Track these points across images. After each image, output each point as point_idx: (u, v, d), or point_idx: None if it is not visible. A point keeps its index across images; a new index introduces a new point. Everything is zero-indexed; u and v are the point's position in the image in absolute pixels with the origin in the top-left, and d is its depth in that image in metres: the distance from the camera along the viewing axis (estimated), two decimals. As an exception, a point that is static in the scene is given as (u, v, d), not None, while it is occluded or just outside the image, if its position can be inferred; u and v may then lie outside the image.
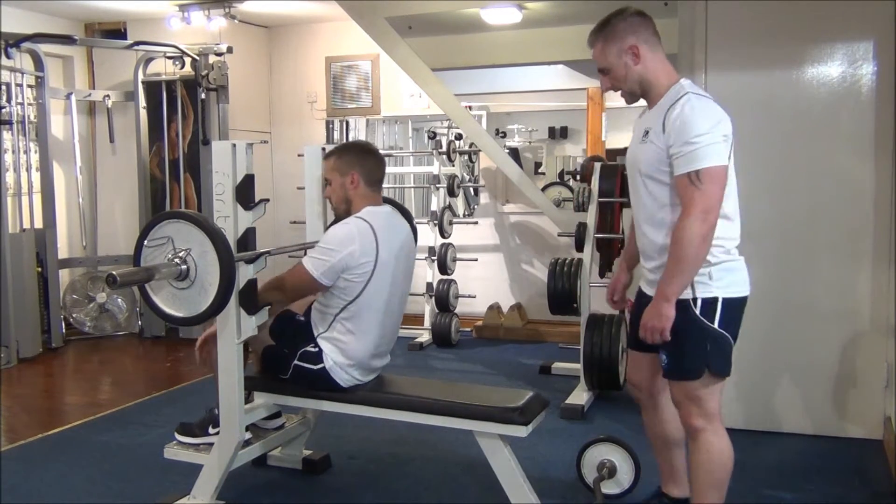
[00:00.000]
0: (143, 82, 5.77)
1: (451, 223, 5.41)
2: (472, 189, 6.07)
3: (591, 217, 4.08)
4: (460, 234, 5.65)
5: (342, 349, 2.61)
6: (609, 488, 2.75)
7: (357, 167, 2.68)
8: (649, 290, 2.25)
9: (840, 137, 3.32)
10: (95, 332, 5.75)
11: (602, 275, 4.27)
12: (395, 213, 2.77)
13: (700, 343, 2.13)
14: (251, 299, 2.49)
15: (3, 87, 5.12)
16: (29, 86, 5.35)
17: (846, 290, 3.33)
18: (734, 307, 2.16)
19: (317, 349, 2.62)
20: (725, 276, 2.13)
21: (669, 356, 2.19)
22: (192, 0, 5.53)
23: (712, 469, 2.19)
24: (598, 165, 4.20)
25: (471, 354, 5.12)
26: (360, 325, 2.60)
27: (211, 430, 2.78)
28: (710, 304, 2.12)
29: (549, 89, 6.09)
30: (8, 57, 5.01)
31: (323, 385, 2.63)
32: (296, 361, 2.64)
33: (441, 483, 3.00)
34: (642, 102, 2.27)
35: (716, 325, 2.12)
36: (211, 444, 2.68)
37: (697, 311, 2.12)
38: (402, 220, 2.80)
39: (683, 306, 2.12)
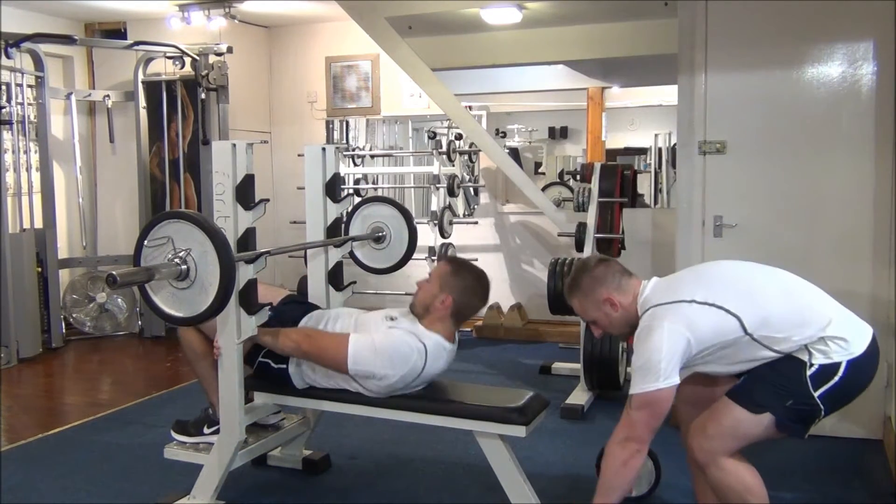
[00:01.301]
0: (143, 82, 5.77)
1: (451, 223, 5.40)
2: (472, 189, 6.07)
3: (591, 217, 4.08)
4: (460, 234, 5.65)
5: (308, 370, 2.64)
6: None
7: (457, 296, 2.55)
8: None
9: (840, 137, 3.32)
10: (95, 332, 5.74)
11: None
12: (452, 351, 2.62)
13: (783, 395, 2.05)
14: (251, 299, 2.49)
15: (3, 87, 5.13)
16: (29, 86, 5.35)
17: (846, 290, 3.32)
18: (861, 367, 2.05)
19: None
20: (840, 343, 2.04)
21: (748, 379, 2.13)
22: (192, 0, 5.53)
23: (731, 500, 2.13)
24: (597, 165, 4.20)
25: (471, 354, 5.12)
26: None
27: (206, 430, 2.79)
28: (829, 370, 2.02)
29: (549, 89, 6.09)
30: (8, 57, 5.01)
31: (279, 382, 2.66)
32: (260, 358, 2.68)
33: (441, 483, 3.00)
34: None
35: (818, 395, 2.02)
36: (211, 444, 2.68)
37: (808, 374, 2.04)
38: (450, 355, 2.62)
39: (794, 362, 2.06)
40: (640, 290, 2.24)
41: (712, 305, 2.07)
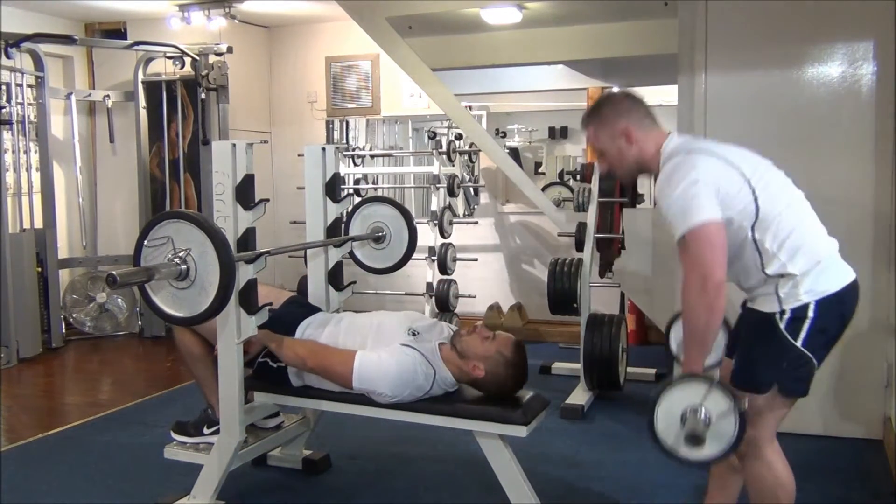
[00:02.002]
0: (143, 82, 5.77)
1: (451, 223, 5.40)
2: (472, 189, 6.07)
3: (591, 217, 4.08)
4: (460, 234, 5.64)
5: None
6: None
7: (489, 378, 2.45)
8: (750, 304, 2.15)
9: (840, 137, 3.32)
10: (95, 332, 5.74)
11: (602, 275, 4.28)
12: (454, 388, 2.56)
13: (775, 360, 2.02)
14: (251, 299, 2.49)
15: (3, 87, 5.13)
16: (29, 86, 5.35)
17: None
18: (830, 307, 2.01)
19: None
20: (814, 278, 2.01)
21: (741, 361, 2.11)
22: (192, 0, 5.53)
23: (762, 499, 2.11)
24: (598, 165, 4.20)
25: (471, 354, 5.11)
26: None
27: (206, 430, 2.79)
28: (799, 313, 2.00)
29: (549, 89, 6.08)
30: (8, 57, 5.01)
31: (278, 381, 2.66)
32: (260, 358, 2.67)
33: (441, 483, 3.00)
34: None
35: (800, 344, 2.00)
36: (211, 444, 2.68)
37: (783, 326, 2.01)
38: (450, 389, 2.55)
39: (766, 319, 2.04)
40: (667, 140, 2.13)
41: (741, 175, 2.01)
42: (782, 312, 2.02)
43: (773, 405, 2.07)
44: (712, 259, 1.92)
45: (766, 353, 2.05)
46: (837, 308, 2.04)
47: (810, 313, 2.00)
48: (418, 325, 2.62)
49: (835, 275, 2.05)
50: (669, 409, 1.93)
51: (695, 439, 1.89)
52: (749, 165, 2.06)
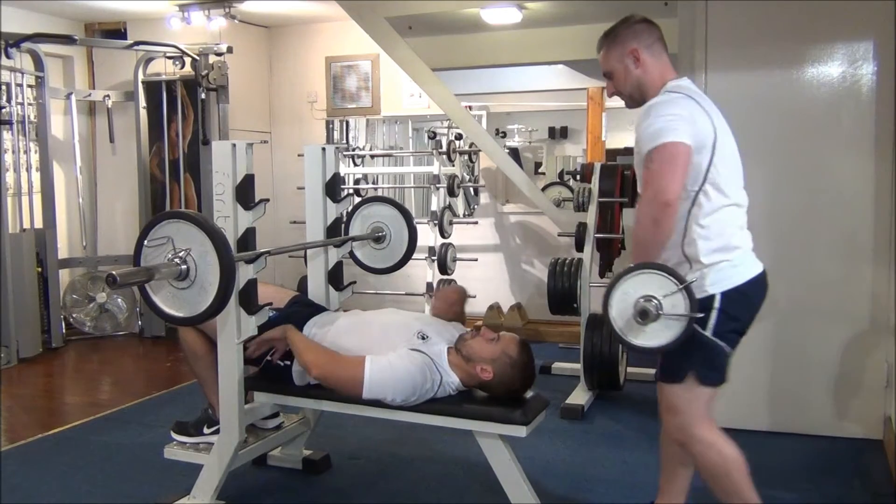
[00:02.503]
0: (143, 82, 5.77)
1: (451, 223, 5.40)
2: (472, 189, 6.07)
3: (591, 217, 4.08)
4: (460, 234, 5.65)
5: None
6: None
7: (496, 380, 2.44)
8: None
9: (840, 137, 3.32)
10: (95, 332, 5.74)
11: (602, 275, 4.28)
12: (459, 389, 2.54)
13: (687, 350, 2.04)
14: (251, 299, 2.49)
15: (3, 87, 5.12)
16: (29, 86, 5.35)
17: (846, 290, 3.33)
18: (736, 299, 2.07)
19: (288, 348, 2.63)
20: (722, 271, 2.07)
21: (662, 357, 2.17)
22: (192, 0, 5.53)
23: (716, 480, 2.14)
24: (597, 165, 4.20)
25: (471, 354, 5.11)
26: None
27: (206, 430, 2.79)
28: (705, 304, 2.03)
29: (549, 89, 6.09)
30: (8, 57, 5.01)
31: (282, 379, 2.66)
32: (267, 356, 2.67)
33: (441, 483, 3.00)
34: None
35: (708, 333, 2.06)
36: (211, 444, 2.68)
37: None
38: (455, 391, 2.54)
39: None
40: (675, 79, 2.16)
41: (713, 134, 2.05)
42: None
43: (696, 392, 2.12)
44: (671, 176, 1.96)
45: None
46: (743, 300, 2.10)
47: (716, 304, 2.05)
48: (428, 328, 2.60)
49: (742, 269, 2.11)
50: (624, 296, 1.98)
51: (644, 314, 1.94)
52: (723, 134, 2.11)
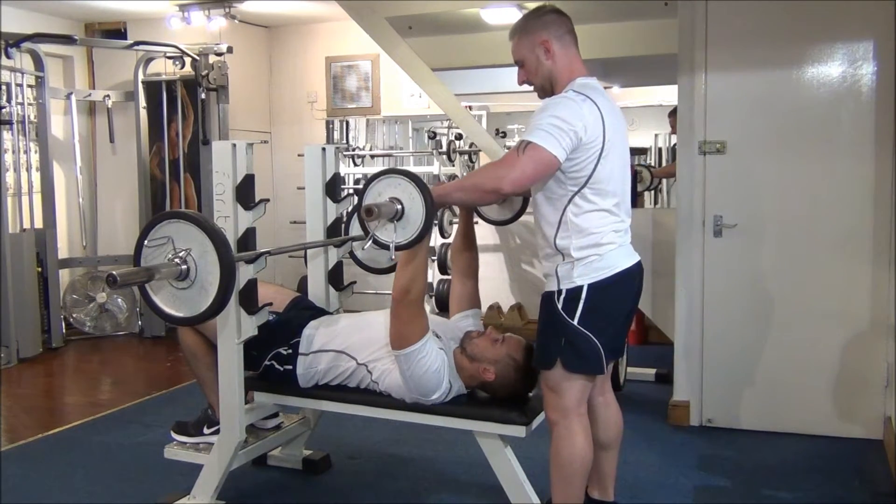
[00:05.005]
0: (143, 82, 5.77)
1: (451, 223, 5.40)
2: (472, 189, 6.05)
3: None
4: (460, 234, 5.64)
5: (313, 370, 2.63)
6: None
7: (498, 381, 2.46)
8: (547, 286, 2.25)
9: (840, 137, 3.32)
10: (95, 332, 5.75)
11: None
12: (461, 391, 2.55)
13: (555, 336, 2.17)
14: (251, 299, 2.49)
15: (3, 87, 5.13)
16: (29, 86, 5.36)
17: (846, 290, 3.33)
18: (603, 290, 2.15)
19: (289, 352, 2.64)
20: (591, 265, 2.15)
21: (536, 339, 2.27)
22: (192, 0, 5.53)
23: (560, 464, 2.23)
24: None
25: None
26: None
27: (206, 430, 2.78)
28: (573, 294, 2.14)
29: (549, 89, 6.08)
30: (8, 57, 5.01)
31: (284, 383, 2.66)
32: (266, 361, 2.66)
33: (441, 483, 3.00)
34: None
35: (576, 322, 2.14)
36: (211, 444, 2.68)
37: (560, 305, 2.16)
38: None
39: (548, 297, 2.19)
40: (583, 77, 2.21)
41: (602, 137, 2.10)
42: (559, 292, 2.16)
43: (568, 378, 2.20)
44: (521, 174, 2.05)
45: (547, 331, 2.21)
46: (612, 292, 2.17)
47: (583, 294, 2.14)
48: (437, 328, 2.58)
49: (611, 262, 2.17)
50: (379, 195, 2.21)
51: (369, 212, 2.12)
52: (613, 144, 2.14)
